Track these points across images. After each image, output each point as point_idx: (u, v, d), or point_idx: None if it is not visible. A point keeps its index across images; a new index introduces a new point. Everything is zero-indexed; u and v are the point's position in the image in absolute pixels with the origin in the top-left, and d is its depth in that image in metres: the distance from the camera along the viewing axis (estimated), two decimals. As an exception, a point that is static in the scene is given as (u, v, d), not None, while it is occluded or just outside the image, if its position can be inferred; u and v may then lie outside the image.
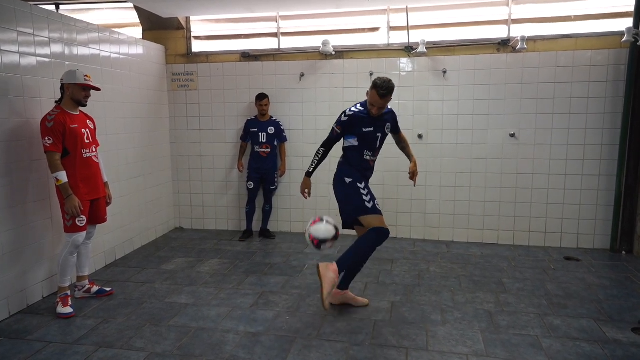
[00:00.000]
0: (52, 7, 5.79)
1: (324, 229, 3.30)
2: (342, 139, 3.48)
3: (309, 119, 5.52)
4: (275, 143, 5.42)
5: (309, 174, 3.50)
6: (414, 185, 3.81)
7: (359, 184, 3.40)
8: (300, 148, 5.57)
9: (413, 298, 3.75)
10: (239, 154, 5.56)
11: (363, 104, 3.42)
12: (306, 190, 3.53)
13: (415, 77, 5.25)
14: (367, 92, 3.33)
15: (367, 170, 3.51)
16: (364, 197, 3.37)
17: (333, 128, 3.44)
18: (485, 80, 5.10)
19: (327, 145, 3.46)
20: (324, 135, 5.56)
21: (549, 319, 3.36)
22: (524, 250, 5.02)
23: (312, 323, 3.32)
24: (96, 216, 3.67)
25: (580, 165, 4.98)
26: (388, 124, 3.51)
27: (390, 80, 3.25)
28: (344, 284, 3.53)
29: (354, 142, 3.41)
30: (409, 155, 3.77)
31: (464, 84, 5.14)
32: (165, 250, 5.11)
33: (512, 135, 5.08)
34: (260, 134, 5.34)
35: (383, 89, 3.21)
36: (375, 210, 3.37)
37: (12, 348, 2.99)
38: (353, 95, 5.34)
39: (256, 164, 5.40)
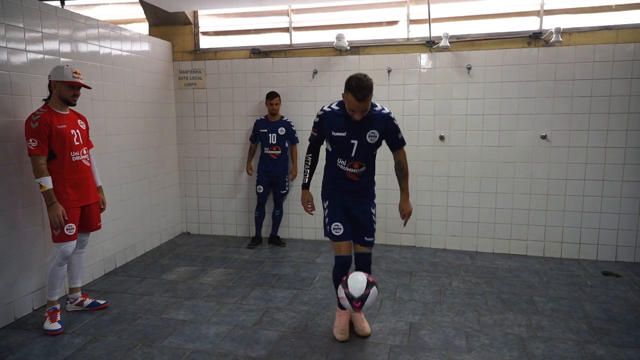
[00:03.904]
0: (58, 3, 5.58)
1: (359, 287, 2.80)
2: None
3: (322, 119, 5.17)
4: (286, 144, 5.09)
5: (305, 186, 3.11)
6: (404, 226, 3.17)
7: (322, 202, 3.08)
8: (313, 150, 5.23)
9: (433, 318, 3.37)
10: (248, 156, 5.26)
11: (339, 103, 2.91)
12: (308, 204, 3.12)
13: (437, 74, 4.85)
14: (342, 95, 2.77)
15: (341, 181, 2.96)
16: (324, 220, 3.03)
17: (311, 132, 3.04)
18: (514, 77, 4.67)
19: (312, 150, 3.08)
20: (338, 136, 5.26)
21: (590, 348, 2.94)
22: (556, 263, 4.57)
23: (320, 347, 2.97)
24: (88, 223, 3.40)
25: (620, 171, 4.51)
26: (374, 131, 2.84)
27: (366, 76, 2.68)
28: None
29: (328, 146, 2.98)
30: (401, 187, 3.06)
31: (491, 81, 4.72)
32: (169, 257, 4.83)
33: (544, 137, 4.64)
34: (270, 135, 5.02)
35: (360, 89, 2.62)
36: (330, 236, 2.98)
37: (-10, 369, 2.73)
38: (369, 94, 4.99)
39: (266, 166, 5.08)
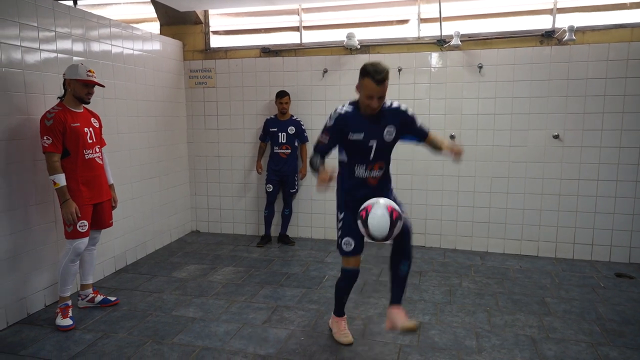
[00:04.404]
0: (71, 3, 5.64)
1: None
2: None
3: (332, 118, 5.16)
4: (296, 144, 5.09)
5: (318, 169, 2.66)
6: (458, 161, 2.83)
7: (338, 213, 2.84)
8: (323, 149, 5.22)
9: (444, 318, 3.35)
10: (258, 155, 5.27)
11: (352, 103, 2.70)
12: (327, 180, 2.60)
13: (448, 73, 4.82)
14: (356, 87, 2.62)
15: (359, 189, 2.74)
16: (337, 232, 2.84)
17: (318, 139, 2.70)
18: (526, 76, 4.62)
19: (320, 154, 2.69)
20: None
21: (603, 350, 2.90)
22: (568, 265, 4.52)
23: (330, 346, 2.96)
24: (100, 221, 3.42)
25: (634, 171, 4.44)
26: (390, 127, 2.67)
27: (380, 63, 2.57)
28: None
29: (343, 157, 2.76)
30: (440, 146, 2.75)
31: (502, 80, 4.68)
32: (178, 255, 4.85)
33: (556, 137, 4.59)
34: (279, 134, 5.03)
35: (378, 72, 2.50)
36: (341, 250, 2.81)
37: (3, 364, 2.77)
38: (379, 93, 4.98)
39: (275, 165, 5.09)
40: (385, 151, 2.74)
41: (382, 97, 2.57)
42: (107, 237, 4.05)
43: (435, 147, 2.78)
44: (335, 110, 2.70)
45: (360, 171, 2.72)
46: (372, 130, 2.65)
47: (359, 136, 2.64)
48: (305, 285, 3.99)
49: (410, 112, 2.74)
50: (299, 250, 5.00)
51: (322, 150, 2.67)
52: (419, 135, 2.78)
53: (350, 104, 2.71)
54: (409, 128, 2.74)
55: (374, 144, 2.66)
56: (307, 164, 5.22)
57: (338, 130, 2.65)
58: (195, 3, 5.04)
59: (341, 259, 2.88)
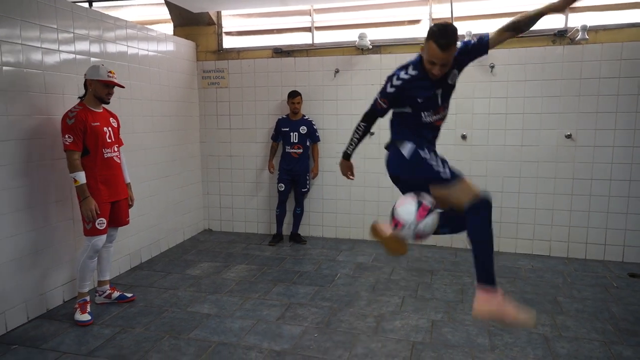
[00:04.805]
0: (86, 4, 5.74)
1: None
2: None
3: (344, 117, 5.19)
4: (308, 143, 5.14)
5: (347, 156, 2.70)
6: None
7: (420, 152, 2.47)
8: (334, 149, 5.25)
9: (456, 316, 3.37)
10: (270, 155, 5.32)
11: (416, 64, 2.41)
12: (349, 173, 2.79)
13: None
14: (421, 49, 2.36)
15: (427, 131, 2.54)
16: (434, 167, 2.44)
17: (376, 99, 2.52)
18: (538, 76, 4.62)
19: (369, 119, 2.58)
20: (359, 135, 5.26)
21: (617, 349, 2.90)
22: (580, 264, 4.51)
23: (343, 342, 3.00)
24: (117, 218, 3.50)
25: (647, 171, 4.43)
26: (454, 70, 2.44)
27: (449, 24, 2.32)
28: (485, 279, 2.33)
29: (407, 108, 2.50)
30: (540, 10, 2.34)
31: (514, 79, 4.68)
32: (192, 253, 4.92)
33: (569, 137, 4.58)
34: (291, 133, 5.08)
35: (444, 34, 2.22)
36: (453, 177, 2.43)
37: (26, 357, 2.84)
38: (391, 93, 5.01)
39: (287, 165, 5.14)
40: (450, 92, 2.54)
41: (445, 64, 2.30)
42: (122, 235, 4.12)
43: (530, 18, 2.36)
44: (398, 74, 2.43)
45: (428, 117, 2.49)
46: (437, 83, 2.43)
47: (427, 94, 2.42)
48: (318, 283, 4.03)
49: (460, 42, 2.39)
50: (310, 249, 5.04)
51: (378, 111, 2.53)
52: (483, 50, 2.43)
53: (414, 66, 2.41)
54: (468, 56, 2.46)
55: (439, 92, 2.45)
56: (318, 164, 5.26)
57: (400, 96, 2.44)
58: (208, 4, 5.11)
59: (462, 196, 2.40)
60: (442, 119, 2.58)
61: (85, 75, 3.28)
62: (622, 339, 3.02)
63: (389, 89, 2.44)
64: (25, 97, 3.25)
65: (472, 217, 2.36)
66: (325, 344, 2.98)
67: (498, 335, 3.08)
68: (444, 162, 2.48)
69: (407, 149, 2.49)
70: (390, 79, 2.45)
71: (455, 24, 4.89)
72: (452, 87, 2.53)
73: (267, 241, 5.33)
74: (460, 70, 2.48)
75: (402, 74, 2.41)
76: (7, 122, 3.13)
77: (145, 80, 4.61)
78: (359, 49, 5.04)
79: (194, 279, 4.14)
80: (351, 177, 2.81)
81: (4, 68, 3.10)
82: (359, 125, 2.60)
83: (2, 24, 3.08)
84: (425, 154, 2.47)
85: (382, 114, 2.55)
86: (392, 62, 4.98)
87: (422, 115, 2.48)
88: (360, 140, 2.62)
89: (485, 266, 2.32)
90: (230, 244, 5.25)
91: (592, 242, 4.66)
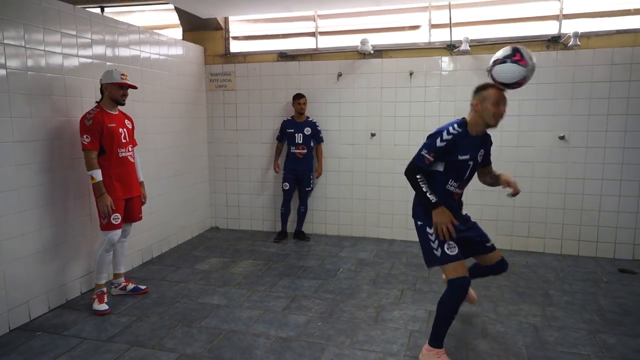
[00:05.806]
0: (98, 10, 5.96)
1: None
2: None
3: (346, 119, 5.41)
4: (312, 144, 5.34)
5: (438, 203, 2.64)
6: (513, 195, 2.74)
7: (428, 229, 2.72)
8: (337, 149, 5.47)
9: (452, 308, 3.56)
10: (275, 155, 5.53)
11: (460, 123, 2.67)
12: (451, 223, 2.69)
13: (458, 77, 5.04)
14: (473, 105, 2.65)
15: (445, 200, 2.71)
16: (431, 243, 2.71)
17: (422, 155, 2.65)
18: (533, 80, 4.64)
19: (416, 173, 2.71)
20: (361, 136, 5.46)
21: (602, 337, 3.09)
22: (573, 261, 4.70)
23: (345, 330, 3.20)
24: (131, 214, 3.71)
25: (637, 171, 4.61)
26: (482, 150, 2.77)
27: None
28: (433, 341, 2.74)
29: (439, 166, 2.72)
30: (496, 175, 2.88)
31: (510, 83, 4.87)
32: (200, 249, 5.13)
33: (562, 138, 4.78)
34: (296, 134, 5.28)
35: (498, 84, 2.61)
36: (445, 258, 2.65)
37: (49, 343, 3.05)
38: (391, 96, 5.22)
39: (292, 165, 5.34)
40: (474, 171, 2.81)
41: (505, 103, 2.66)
42: (134, 231, 4.31)
43: (493, 180, 2.92)
44: (448, 130, 2.63)
45: (453, 186, 2.74)
46: (473, 151, 2.69)
47: (466, 157, 2.66)
48: (321, 277, 4.23)
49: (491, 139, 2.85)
50: (314, 246, 5.24)
51: (425, 168, 2.68)
52: (488, 161, 2.92)
53: (459, 125, 2.66)
54: (488, 152, 2.87)
55: (471, 164, 2.72)
56: (322, 164, 5.47)
57: (447, 151, 2.62)
58: (216, 10, 5.32)
59: (449, 273, 2.65)
60: (460, 195, 2.87)
61: (100, 80, 3.50)
62: (608, 329, 3.21)
63: (439, 143, 2.61)
64: (47, 100, 3.47)
65: (448, 291, 2.68)
66: (329, 331, 3.18)
67: (490, 325, 3.27)
68: (447, 243, 2.67)
69: (419, 219, 2.80)
70: (439, 134, 2.63)
71: (454, 30, 5.12)
72: (479, 166, 2.83)
73: (272, 238, 5.53)
74: (484, 155, 2.84)
75: (452, 130, 2.63)
76: (32, 123, 3.34)
77: (156, 83, 4.83)
78: (361, 54, 5.25)
79: (203, 273, 4.35)
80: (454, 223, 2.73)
81: (29, 73, 3.32)
82: (416, 178, 2.67)
83: (27, 32, 3.29)
84: (430, 230, 2.73)
85: (426, 169, 2.69)
86: (392, 66, 5.20)
87: (449, 182, 2.74)
88: (428, 185, 2.69)
89: (438, 332, 2.73)
90: (236, 241, 5.46)
91: (584, 239, 4.85)
